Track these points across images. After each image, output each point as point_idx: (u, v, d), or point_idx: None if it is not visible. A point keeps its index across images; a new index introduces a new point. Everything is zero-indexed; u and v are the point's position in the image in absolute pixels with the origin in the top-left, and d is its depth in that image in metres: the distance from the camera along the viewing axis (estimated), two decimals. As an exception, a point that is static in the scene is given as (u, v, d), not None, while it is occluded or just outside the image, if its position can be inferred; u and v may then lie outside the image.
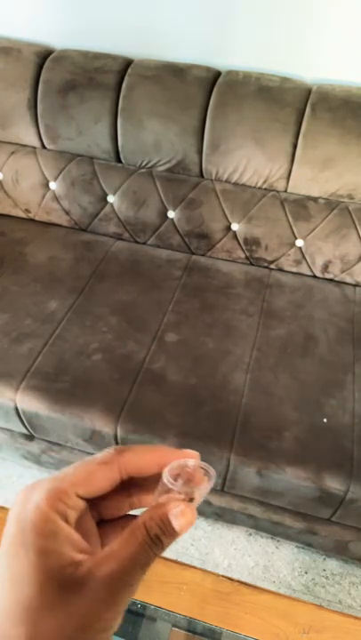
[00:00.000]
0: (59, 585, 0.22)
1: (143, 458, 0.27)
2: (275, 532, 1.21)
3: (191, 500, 0.25)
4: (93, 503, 0.27)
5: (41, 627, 0.21)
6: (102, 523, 0.28)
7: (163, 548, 0.24)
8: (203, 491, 0.25)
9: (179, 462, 0.26)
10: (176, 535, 0.24)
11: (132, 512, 0.29)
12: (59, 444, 1.21)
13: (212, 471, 0.26)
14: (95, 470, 0.26)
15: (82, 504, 0.25)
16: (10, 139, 1.47)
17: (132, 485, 0.28)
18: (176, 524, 0.24)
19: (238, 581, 0.62)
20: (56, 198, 1.50)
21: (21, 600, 0.22)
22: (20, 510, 0.24)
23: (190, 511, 0.24)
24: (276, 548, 1.33)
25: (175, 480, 0.25)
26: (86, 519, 0.27)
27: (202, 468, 0.26)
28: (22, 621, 0.21)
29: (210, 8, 1.26)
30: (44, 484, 0.25)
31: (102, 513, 0.28)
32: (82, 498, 0.25)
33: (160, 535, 0.24)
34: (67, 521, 0.24)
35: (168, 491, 0.25)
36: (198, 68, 1.31)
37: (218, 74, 1.30)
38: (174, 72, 1.30)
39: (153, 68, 1.31)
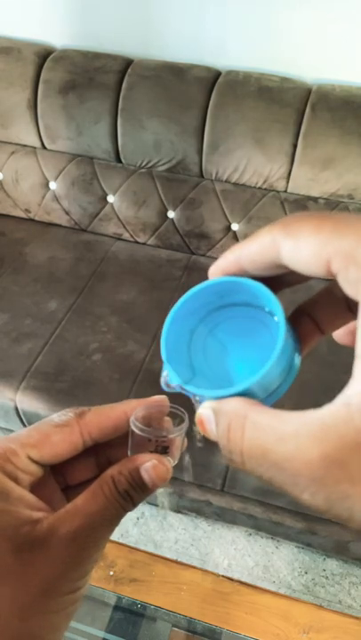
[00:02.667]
0: (14, 547, 0.19)
1: (107, 416, 0.24)
2: (275, 531, 1.21)
3: (166, 451, 0.23)
4: (57, 469, 0.24)
5: None
6: (69, 489, 0.26)
7: (133, 504, 0.22)
8: (176, 434, 0.23)
9: (147, 407, 0.24)
10: (148, 491, 0.22)
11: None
12: (59, 444, 1.21)
13: (185, 414, 0.24)
14: (51, 432, 0.23)
15: (36, 469, 0.23)
16: (10, 139, 1.47)
17: (100, 445, 0.25)
18: (147, 477, 0.22)
19: (238, 581, 0.62)
20: (56, 198, 1.50)
21: None
22: None
23: (163, 464, 0.22)
24: (276, 547, 1.33)
25: (145, 427, 0.23)
26: (47, 485, 0.24)
27: (173, 412, 0.24)
28: None
29: (210, 8, 1.26)
30: None
31: (68, 478, 0.26)
32: (37, 462, 0.23)
33: (129, 490, 0.22)
34: (17, 482, 0.22)
35: (139, 443, 0.23)
36: (198, 67, 1.31)
37: (218, 74, 1.30)
38: (174, 72, 1.30)
39: (153, 68, 1.31)
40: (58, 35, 1.43)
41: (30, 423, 1.12)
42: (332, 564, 1.30)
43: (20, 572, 0.19)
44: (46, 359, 1.14)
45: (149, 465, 0.22)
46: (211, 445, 0.24)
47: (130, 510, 0.22)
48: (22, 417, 1.12)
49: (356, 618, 0.60)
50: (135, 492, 0.22)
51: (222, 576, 0.62)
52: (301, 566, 1.30)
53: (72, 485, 0.26)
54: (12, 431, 1.23)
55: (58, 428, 0.23)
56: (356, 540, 1.13)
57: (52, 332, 1.20)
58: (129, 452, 0.24)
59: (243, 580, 0.62)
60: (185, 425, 0.24)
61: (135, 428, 0.23)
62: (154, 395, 0.25)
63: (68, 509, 0.21)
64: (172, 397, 0.24)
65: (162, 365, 0.22)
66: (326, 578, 1.28)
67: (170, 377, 0.22)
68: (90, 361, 1.14)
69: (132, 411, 0.24)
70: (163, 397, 0.25)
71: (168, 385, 0.22)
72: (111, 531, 0.21)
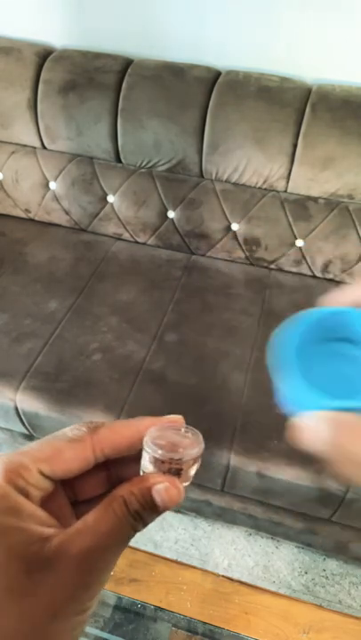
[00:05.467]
0: (24, 565, 0.19)
1: (120, 434, 0.24)
2: (275, 531, 1.21)
3: (179, 473, 0.22)
4: (66, 483, 0.24)
5: (0, 618, 0.18)
6: (78, 504, 0.25)
7: (143, 524, 0.21)
8: (191, 458, 0.22)
9: (162, 427, 0.23)
10: (159, 512, 0.22)
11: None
12: (59, 444, 1.21)
13: (200, 436, 0.23)
14: (64, 448, 0.23)
15: (47, 484, 0.22)
16: (10, 139, 1.47)
17: (111, 461, 0.25)
18: (159, 499, 0.21)
19: (238, 581, 0.62)
20: (56, 198, 1.50)
21: None
22: None
23: (176, 487, 0.22)
24: (276, 547, 1.33)
25: (158, 439, 0.22)
26: (57, 500, 0.24)
27: (188, 433, 0.23)
28: None
29: (210, 8, 1.26)
30: (2, 457, 0.22)
31: (78, 493, 0.25)
32: (48, 477, 0.22)
33: (140, 511, 0.21)
34: (28, 498, 0.21)
35: (152, 463, 0.22)
36: (198, 68, 1.31)
37: (218, 74, 1.30)
38: (174, 72, 1.30)
39: (153, 68, 1.31)
40: (58, 35, 1.43)
41: (30, 423, 1.13)
42: (332, 564, 1.30)
43: (30, 592, 0.19)
44: (46, 359, 1.14)
45: (162, 487, 0.21)
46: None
47: (140, 530, 0.21)
48: (22, 417, 1.12)
49: (357, 618, 0.60)
50: (146, 513, 0.21)
51: (222, 576, 0.62)
52: (301, 566, 1.30)
53: (81, 500, 0.25)
54: (12, 431, 1.23)
55: (70, 444, 0.23)
56: (357, 539, 1.13)
57: (52, 332, 1.20)
58: (141, 472, 0.23)
59: (243, 580, 0.62)
60: (201, 447, 0.23)
61: (149, 449, 0.22)
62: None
63: (78, 528, 0.20)
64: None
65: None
66: (326, 578, 1.28)
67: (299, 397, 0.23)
68: (90, 361, 1.14)
69: (145, 429, 0.24)
70: (178, 417, 0.24)
71: (289, 406, 0.24)
72: (121, 551, 0.21)
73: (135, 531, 0.21)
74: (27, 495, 0.21)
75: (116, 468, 0.25)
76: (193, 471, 0.23)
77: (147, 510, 0.21)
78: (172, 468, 0.22)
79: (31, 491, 0.21)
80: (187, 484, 0.23)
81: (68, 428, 0.24)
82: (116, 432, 0.24)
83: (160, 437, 0.23)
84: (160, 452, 0.22)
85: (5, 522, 0.20)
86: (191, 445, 0.23)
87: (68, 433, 0.23)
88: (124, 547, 0.21)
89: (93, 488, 0.25)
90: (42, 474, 0.22)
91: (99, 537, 0.20)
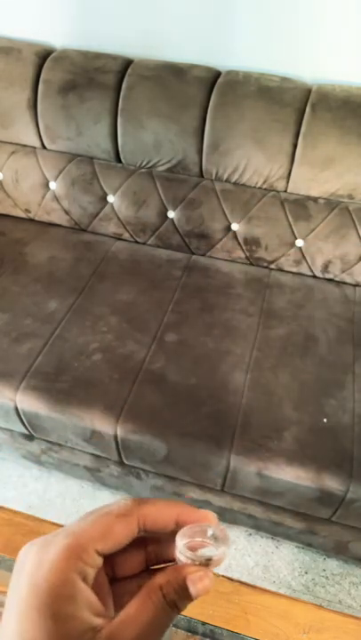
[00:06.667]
0: None
1: (162, 512, 0.25)
2: (275, 532, 1.21)
3: (208, 564, 0.24)
4: (107, 561, 0.25)
5: None
6: (114, 581, 0.27)
7: (178, 611, 0.23)
8: (221, 556, 0.24)
9: (194, 526, 0.25)
10: (191, 600, 0.23)
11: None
12: (59, 444, 1.21)
13: (228, 537, 0.25)
14: (114, 524, 0.24)
15: (100, 561, 0.24)
16: (10, 139, 1.47)
17: (149, 542, 0.27)
18: (193, 590, 0.23)
19: (238, 581, 0.62)
20: (56, 198, 1.50)
21: None
22: (34, 570, 0.22)
23: (208, 577, 0.24)
24: (276, 547, 1.33)
25: (190, 543, 0.25)
26: (100, 576, 0.25)
27: (217, 534, 0.25)
28: None
29: (210, 8, 1.26)
30: (61, 539, 0.23)
31: (116, 570, 0.27)
32: (99, 554, 0.24)
33: (177, 600, 0.23)
34: (85, 580, 0.22)
35: (185, 557, 0.24)
36: (198, 67, 1.31)
37: (218, 74, 1.30)
38: (174, 72, 1.30)
39: (153, 68, 1.31)
40: (58, 35, 1.43)
41: (30, 423, 1.13)
42: (332, 564, 1.30)
43: None
44: (46, 359, 1.14)
45: (196, 577, 0.23)
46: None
47: (175, 618, 0.23)
48: (22, 417, 1.12)
49: (357, 618, 0.59)
50: (181, 602, 0.23)
51: (222, 576, 0.62)
52: (301, 566, 1.30)
53: (118, 578, 0.27)
54: (12, 431, 1.23)
55: (119, 519, 0.24)
56: (357, 539, 1.13)
57: (52, 332, 1.20)
58: (177, 560, 0.25)
59: (243, 580, 0.61)
60: (229, 545, 0.25)
61: (182, 554, 0.24)
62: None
63: (122, 620, 0.22)
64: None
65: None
66: (326, 578, 1.28)
67: None
68: (90, 361, 1.14)
69: (183, 517, 0.25)
70: (213, 516, 0.26)
71: None
72: (161, 636, 0.23)
73: (172, 619, 0.23)
74: (85, 577, 0.22)
75: (154, 547, 0.27)
76: (221, 562, 0.25)
77: (182, 599, 0.23)
78: (203, 562, 0.24)
79: (88, 572, 0.23)
80: (216, 568, 0.25)
81: (116, 504, 0.25)
82: (159, 510, 0.25)
83: (191, 536, 0.25)
84: (192, 555, 0.24)
85: (66, 610, 0.21)
86: (219, 542, 0.25)
87: (115, 509, 0.25)
88: (162, 634, 0.23)
89: (131, 567, 0.27)
90: (97, 552, 0.23)
91: (142, 627, 0.22)
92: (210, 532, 0.25)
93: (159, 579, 0.23)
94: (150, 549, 0.27)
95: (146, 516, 0.25)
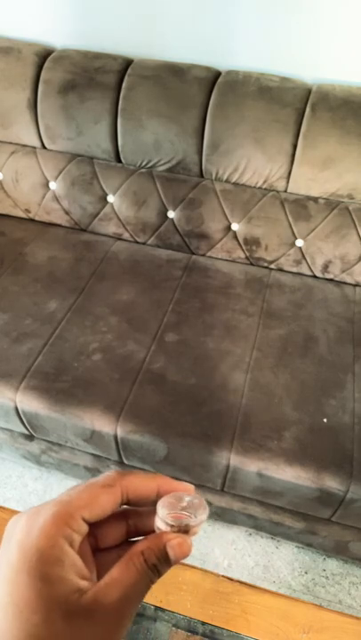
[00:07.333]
0: (64, 613, 0.22)
1: (144, 483, 0.27)
2: (275, 532, 1.21)
3: (187, 530, 0.26)
4: (90, 532, 0.27)
5: None
6: (97, 551, 0.28)
7: (159, 575, 0.25)
8: (197, 524, 0.26)
9: (174, 495, 0.27)
10: (171, 565, 0.25)
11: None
12: (59, 444, 1.21)
13: (205, 505, 0.27)
14: (99, 493, 0.26)
15: (85, 527, 0.25)
16: (10, 139, 1.47)
17: (129, 514, 0.29)
18: (172, 554, 0.25)
19: (238, 581, 0.62)
20: (56, 198, 1.50)
21: (27, 629, 0.22)
22: (23, 537, 0.23)
23: (186, 543, 0.25)
24: (276, 547, 1.33)
25: (171, 514, 0.26)
26: (84, 545, 0.27)
27: (195, 500, 0.27)
28: None
29: (210, 8, 1.26)
30: (49, 507, 0.24)
31: (99, 541, 0.28)
32: (85, 521, 0.25)
33: (157, 564, 0.24)
34: (72, 545, 0.24)
35: (165, 524, 0.26)
36: (198, 67, 1.31)
37: (218, 74, 1.30)
38: (174, 72, 1.30)
39: (153, 68, 1.31)
40: (58, 35, 1.43)
41: (30, 423, 1.13)
42: (332, 564, 1.30)
43: (73, 637, 0.22)
44: (46, 359, 1.14)
45: (175, 543, 0.25)
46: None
47: (155, 581, 0.25)
48: (22, 417, 1.12)
49: (357, 618, 0.59)
50: (161, 566, 0.25)
51: (222, 576, 0.62)
52: (301, 566, 1.30)
53: (101, 548, 0.28)
54: (12, 431, 1.23)
55: (104, 489, 0.26)
56: (357, 539, 1.13)
57: (52, 332, 1.20)
58: (156, 528, 0.27)
59: (243, 580, 0.61)
60: (206, 513, 0.27)
61: (161, 520, 0.26)
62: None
63: (107, 582, 0.24)
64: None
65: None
66: (326, 578, 1.28)
67: None
68: (90, 361, 1.14)
69: (163, 488, 0.27)
70: (191, 487, 0.28)
71: None
72: (141, 600, 0.24)
73: (152, 582, 0.25)
74: (71, 542, 0.24)
75: (134, 520, 0.29)
76: (199, 528, 0.27)
77: (162, 564, 0.25)
78: (182, 529, 0.26)
79: (75, 538, 0.24)
80: (194, 536, 0.27)
81: (101, 476, 0.27)
82: (141, 481, 0.27)
83: (172, 505, 0.27)
84: (172, 521, 0.26)
85: (52, 572, 0.22)
86: (198, 511, 0.26)
87: (101, 480, 0.27)
88: (143, 597, 0.24)
89: (113, 538, 0.29)
90: (83, 519, 0.25)
91: (125, 588, 0.23)
92: (187, 499, 0.27)
93: (141, 545, 0.25)
94: (131, 522, 0.29)
95: (129, 486, 0.27)
